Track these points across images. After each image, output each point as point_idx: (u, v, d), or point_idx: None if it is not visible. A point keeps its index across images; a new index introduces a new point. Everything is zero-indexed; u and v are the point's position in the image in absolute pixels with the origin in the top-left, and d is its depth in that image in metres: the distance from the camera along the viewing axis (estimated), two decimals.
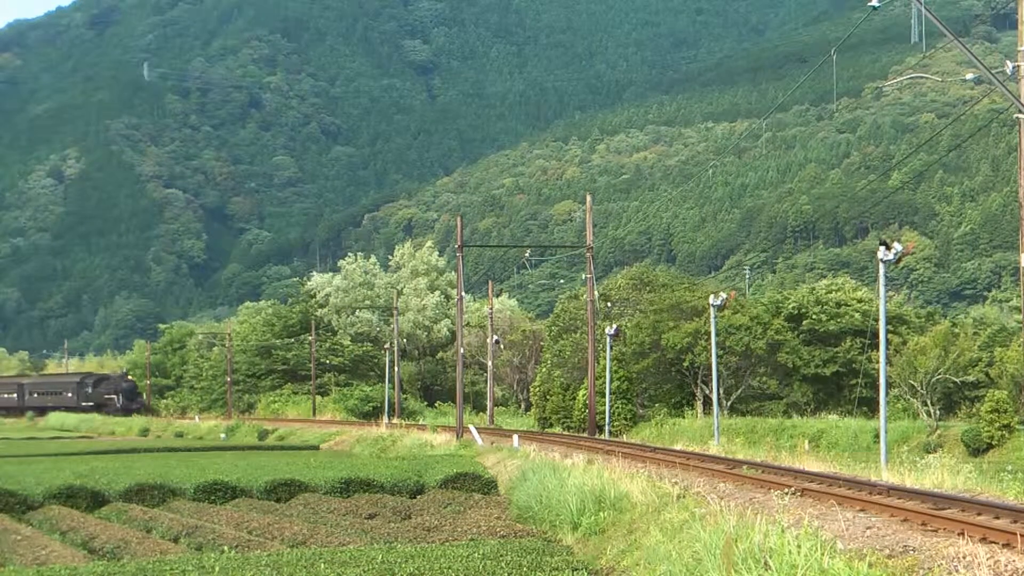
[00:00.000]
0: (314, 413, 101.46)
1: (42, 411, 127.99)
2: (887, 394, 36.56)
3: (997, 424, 50.57)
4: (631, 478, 26.29)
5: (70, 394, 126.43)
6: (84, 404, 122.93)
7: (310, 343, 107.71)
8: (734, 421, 63.30)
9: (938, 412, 57.22)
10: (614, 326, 64.94)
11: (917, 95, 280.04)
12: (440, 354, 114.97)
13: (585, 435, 58.37)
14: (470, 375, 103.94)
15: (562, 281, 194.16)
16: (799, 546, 15.32)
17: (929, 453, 41.89)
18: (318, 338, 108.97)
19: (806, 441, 43.15)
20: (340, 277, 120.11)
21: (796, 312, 75.02)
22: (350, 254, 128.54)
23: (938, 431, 54.47)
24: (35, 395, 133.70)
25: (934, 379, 56.72)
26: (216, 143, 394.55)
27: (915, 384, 56.80)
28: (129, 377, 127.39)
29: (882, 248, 33.24)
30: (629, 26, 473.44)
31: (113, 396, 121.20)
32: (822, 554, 15.10)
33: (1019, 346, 54.66)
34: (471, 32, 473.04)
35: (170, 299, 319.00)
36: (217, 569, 19.67)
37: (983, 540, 16.77)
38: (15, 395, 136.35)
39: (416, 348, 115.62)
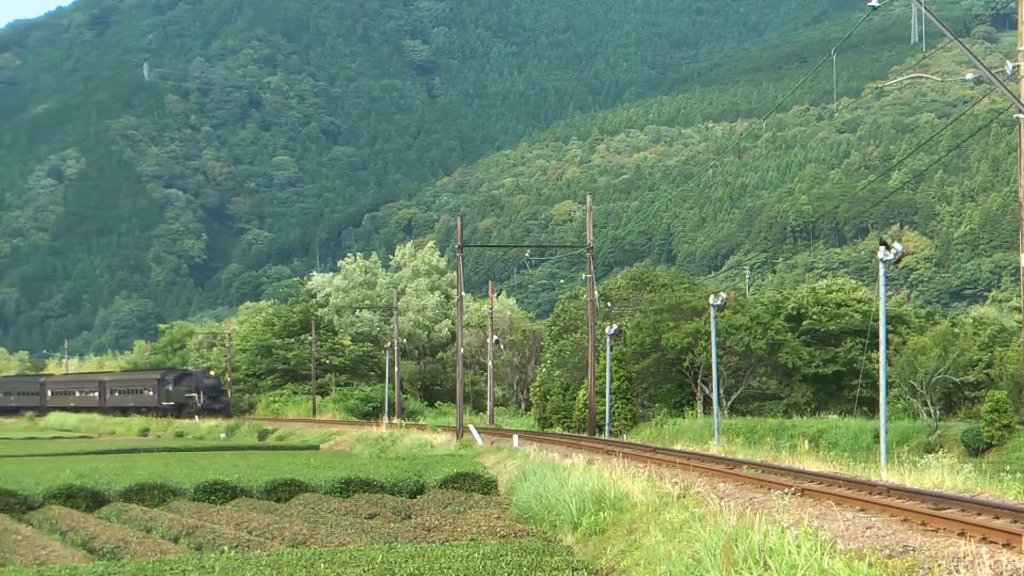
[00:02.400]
0: (314, 413, 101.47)
1: (124, 412, 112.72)
2: (887, 394, 36.56)
3: (997, 424, 50.59)
4: (631, 478, 26.29)
5: (151, 392, 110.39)
6: (164, 404, 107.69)
7: (310, 343, 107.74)
8: (734, 421, 63.31)
9: (938, 412, 57.23)
10: (614, 326, 64.97)
11: (917, 95, 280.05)
12: (440, 354, 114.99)
13: (585, 435, 58.37)
14: (470, 375, 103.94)
15: (562, 281, 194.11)
16: (799, 546, 15.32)
17: (929, 453, 41.89)
18: (318, 338, 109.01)
19: (806, 441, 43.13)
20: (340, 277, 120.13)
21: (796, 312, 75.08)
22: (350, 254, 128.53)
23: (938, 431, 54.48)
24: (116, 394, 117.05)
25: (934, 379, 56.75)
26: (216, 143, 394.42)
27: (915, 384, 56.82)
28: (212, 372, 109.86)
29: (882, 248, 33.24)
30: (629, 26, 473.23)
31: (193, 394, 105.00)
32: (822, 554, 15.10)
33: (1019, 346, 54.65)
34: (471, 32, 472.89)
35: (170, 299, 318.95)
36: (217, 569, 19.67)
37: (983, 540, 16.77)
38: (96, 393, 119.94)
39: (416, 348, 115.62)
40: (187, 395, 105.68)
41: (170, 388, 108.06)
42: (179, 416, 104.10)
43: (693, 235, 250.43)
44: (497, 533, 24.81)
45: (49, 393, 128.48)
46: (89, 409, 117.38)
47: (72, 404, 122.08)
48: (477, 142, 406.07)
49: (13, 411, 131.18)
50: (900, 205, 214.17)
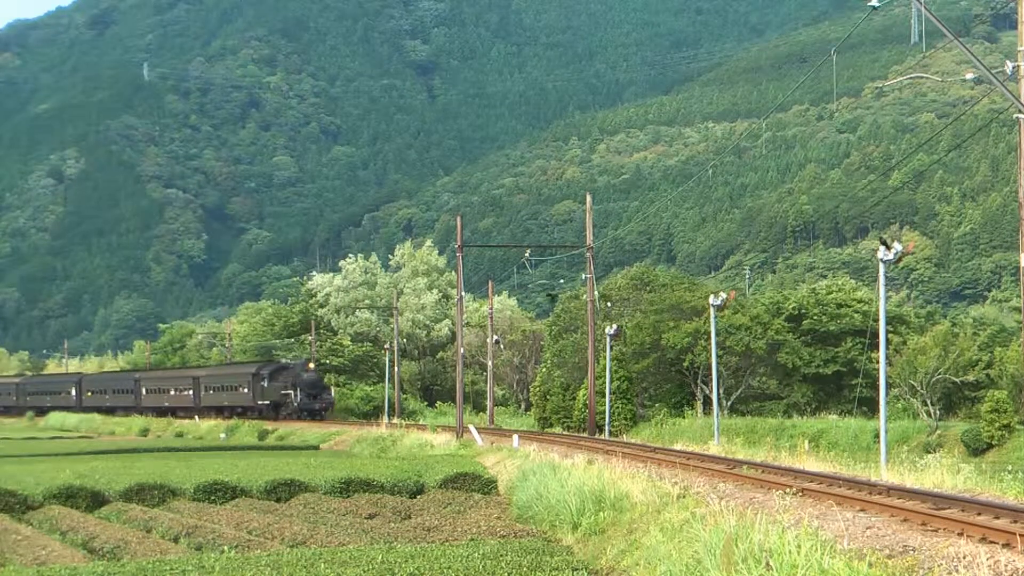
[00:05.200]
0: None
1: (219, 412, 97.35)
2: (887, 394, 36.56)
3: (997, 424, 50.60)
4: (631, 478, 26.29)
5: (245, 390, 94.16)
6: (260, 403, 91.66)
7: (310, 343, 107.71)
8: (734, 421, 63.34)
9: (938, 412, 57.25)
10: (614, 326, 64.97)
11: (917, 95, 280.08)
12: (440, 354, 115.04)
13: (585, 435, 58.38)
14: (470, 375, 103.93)
15: (562, 281, 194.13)
16: (799, 546, 15.32)
17: (929, 453, 41.88)
18: (318, 338, 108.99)
19: (806, 441, 43.14)
20: (340, 277, 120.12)
21: (796, 313, 75.12)
22: (350, 254, 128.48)
23: (938, 431, 54.50)
24: (211, 391, 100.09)
25: (934, 379, 56.76)
26: (216, 143, 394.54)
27: (915, 384, 56.83)
28: (311, 366, 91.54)
29: (882, 248, 33.24)
30: (629, 26, 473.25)
31: (290, 392, 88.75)
32: (822, 554, 15.10)
33: (1019, 346, 54.65)
34: (471, 32, 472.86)
35: (170, 299, 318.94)
36: (217, 569, 19.66)
37: (983, 540, 16.78)
38: (190, 391, 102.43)
39: (416, 348, 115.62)
40: (283, 392, 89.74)
41: (265, 384, 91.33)
42: (276, 418, 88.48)
43: (693, 235, 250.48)
44: (497, 533, 24.81)
45: (144, 391, 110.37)
46: (186, 410, 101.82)
47: (167, 403, 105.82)
48: (477, 142, 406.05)
49: (109, 411, 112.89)
50: (900, 205, 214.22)
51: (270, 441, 76.10)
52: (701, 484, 26.39)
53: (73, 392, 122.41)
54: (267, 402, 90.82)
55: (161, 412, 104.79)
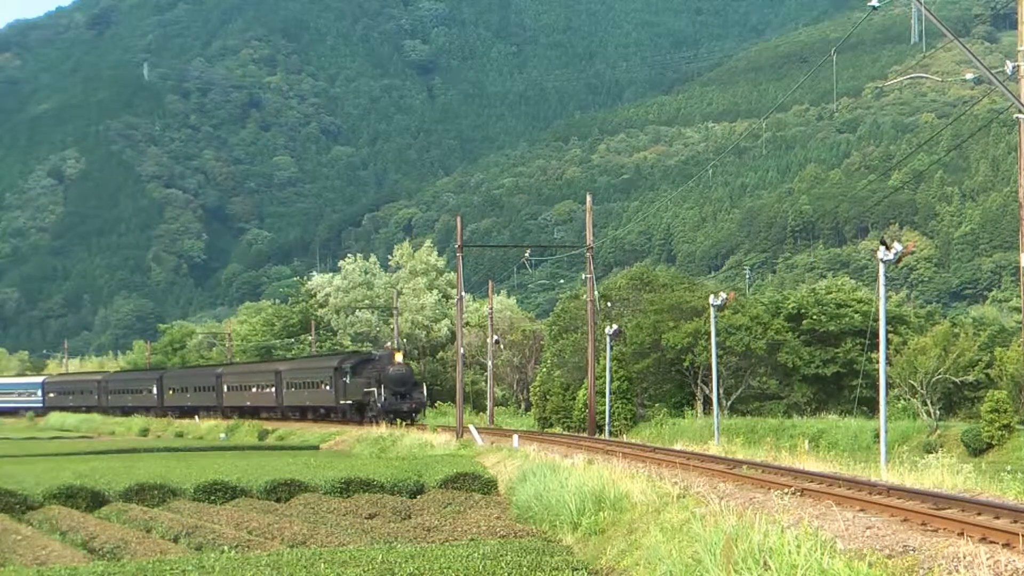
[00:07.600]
0: None
1: (302, 413, 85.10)
2: (887, 394, 36.56)
3: (997, 424, 50.62)
4: (631, 478, 26.30)
5: (328, 387, 79.73)
6: (343, 403, 77.27)
7: (310, 343, 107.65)
8: (734, 421, 63.35)
9: (938, 412, 57.27)
10: (614, 326, 64.98)
11: (917, 95, 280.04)
12: (440, 354, 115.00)
13: (585, 435, 58.39)
14: (470, 375, 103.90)
15: (562, 281, 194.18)
16: (799, 546, 15.32)
17: (929, 453, 41.88)
18: (318, 338, 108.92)
19: (806, 441, 43.13)
20: (340, 277, 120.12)
21: (796, 312, 75.14)
22: (350, 254, 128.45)
23: (938, 431, 54.51)
24: (292, 388, 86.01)
25: (934, 379, 56.78)
26: (216, 143, 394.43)
27: (915, 384, 56.84)
28: (398, 358, 74.11)
29: (882, 248, 33.25)
30: (629, 26, 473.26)
31: (373, 389, 73.02)
32: (822, 554, 15.10)
33: (1019, 346, 54.67)
34: (471, 32, 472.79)
35: (170, 299, 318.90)
36: (217, 569, 19.66)
37: (983, 540, 16.78)
38: (272, 388, 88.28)
39: (416, 348, 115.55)
40: (366, 391, 74.62)
41: (347, 381, 77.11)
42: (360, 422, 73.30)
43: (693, 235, 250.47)
44: (497, 533, 24.81)
45: (225, 388, 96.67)
46: (268, 410, 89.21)
47: (248, 403, 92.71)
48: (477, 142, 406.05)
49: (190, 413, 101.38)
50: (900, 205, 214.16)
51: (270, 441, 76.07)
52: (701, 484, 26.40)
53: (155, 390, 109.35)
54: (350, 402, 76.97)
55: (243, 414, 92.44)
